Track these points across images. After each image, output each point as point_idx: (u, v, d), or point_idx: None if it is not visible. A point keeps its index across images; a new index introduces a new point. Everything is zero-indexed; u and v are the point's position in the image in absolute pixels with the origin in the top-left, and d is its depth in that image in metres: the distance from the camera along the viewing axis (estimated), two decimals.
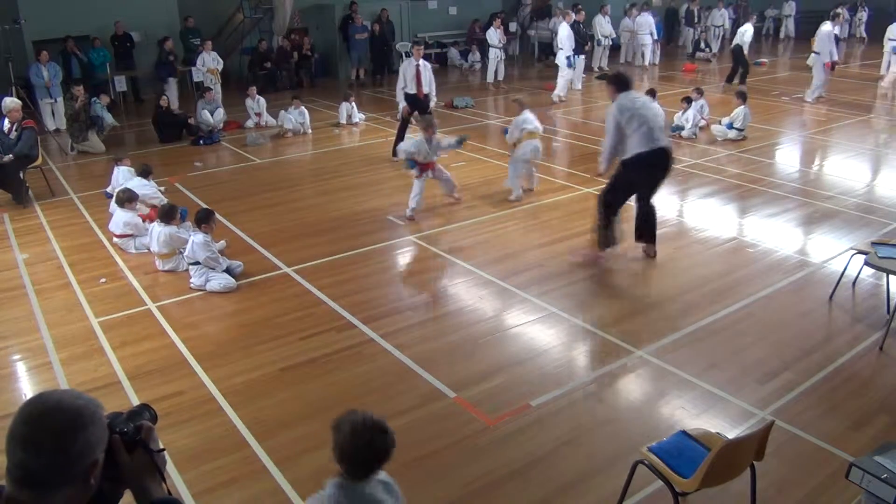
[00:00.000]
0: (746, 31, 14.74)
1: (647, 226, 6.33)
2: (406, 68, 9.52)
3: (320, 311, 5.51)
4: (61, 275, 6.29)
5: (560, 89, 13.84)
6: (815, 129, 11.24)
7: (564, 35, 13.60)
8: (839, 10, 13.32)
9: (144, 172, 7.83)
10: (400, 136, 9.76)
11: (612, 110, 5.96)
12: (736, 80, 14.70)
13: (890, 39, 15.27)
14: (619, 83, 6.11)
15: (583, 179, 8.65)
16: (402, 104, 9.59)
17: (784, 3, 22.67)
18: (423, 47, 9.83)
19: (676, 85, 14.97)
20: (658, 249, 6.48)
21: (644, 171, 6.00)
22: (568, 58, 13.65)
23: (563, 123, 12.08)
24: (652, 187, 6.18)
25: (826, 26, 12.68)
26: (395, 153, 9.77)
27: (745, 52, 14.70)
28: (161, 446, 1.64)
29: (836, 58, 13.11)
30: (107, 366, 4.79)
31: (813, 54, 12.83)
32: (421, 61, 9.47)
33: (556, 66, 13.98)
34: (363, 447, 2.27)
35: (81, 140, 10.52)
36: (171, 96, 12.81)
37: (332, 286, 5.90)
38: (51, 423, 1.42)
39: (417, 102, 9.55)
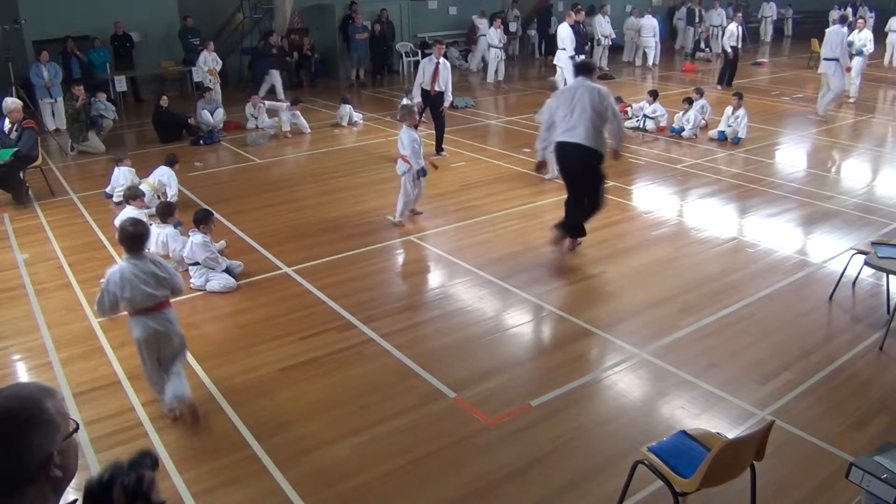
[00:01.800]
0: (728, 31, 14.59)
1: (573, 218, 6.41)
2: (426, 65, 9.64)
3: (320, 311, 5.51)
4: (61, 275, 6.29)
5: None
6: (815, 130, 11.24)
7: (566, 35, 13.46)
8: (846, 12, 12.61)
9: (171, 162, 7.98)
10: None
11: (554, 93, 6.14)
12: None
13: (892, 31, 15.23)
14: (579, 68, 6.30)
15: None
16: (417, 100, 9.70)
17: (764, 4, 22.50)
18: (444, 46, 9.96)
19: (676, 85, 14.97)
20: (658, 249, 6.48)
21: (560, 161, 6.24)
22: (571, 57, 13.50)
23: None
24: (579, 182, 6.24)
25: (839, 29, 11.67)
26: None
27: (728, 51, 14.55)
28: (162, 499, 1.63)
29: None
30: (107, 366, 4.79)
31: (826, 62, 11.60)
32: (441, 59, 9.58)
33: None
34: (127, 233, 3.85)
35: (81, 140, 10.52)
36: (277, 87, 14.09)
37: (332, 286, 5.90)
38: None
39: (428, 98, 9.65)
